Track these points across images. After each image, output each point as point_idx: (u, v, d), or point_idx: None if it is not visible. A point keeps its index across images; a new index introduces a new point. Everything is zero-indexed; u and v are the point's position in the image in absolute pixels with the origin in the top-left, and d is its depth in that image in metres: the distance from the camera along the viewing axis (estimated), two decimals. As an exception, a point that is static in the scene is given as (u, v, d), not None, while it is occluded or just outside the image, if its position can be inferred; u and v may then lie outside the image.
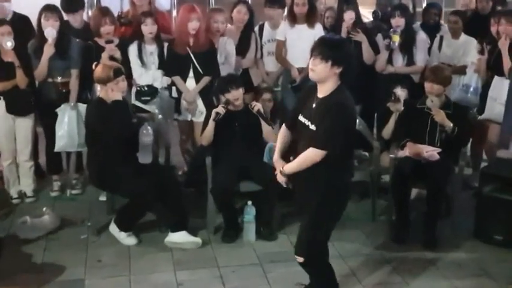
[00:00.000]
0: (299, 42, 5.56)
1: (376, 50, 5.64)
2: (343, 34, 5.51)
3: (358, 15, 5.70)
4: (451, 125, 4.67)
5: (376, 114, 5.81)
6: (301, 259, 3.48)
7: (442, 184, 4.68)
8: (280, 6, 5.84)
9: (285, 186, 3.56)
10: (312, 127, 3.30)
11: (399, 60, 5.67)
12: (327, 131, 3.26)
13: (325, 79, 3.24)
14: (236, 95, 4.78)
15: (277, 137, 3.67)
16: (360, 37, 5.57)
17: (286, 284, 4.06)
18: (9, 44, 4.98)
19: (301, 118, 3.40)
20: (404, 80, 5.45)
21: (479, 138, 5.51)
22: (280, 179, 3.53)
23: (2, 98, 5.18)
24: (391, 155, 4.96)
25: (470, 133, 5.10)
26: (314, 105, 3.34)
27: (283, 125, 3.66)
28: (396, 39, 5.50)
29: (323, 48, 3.22)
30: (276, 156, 3.61)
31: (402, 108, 4.96)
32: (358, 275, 4.27)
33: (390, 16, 5.67)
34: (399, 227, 4.75)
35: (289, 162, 3.50)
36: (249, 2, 6.33)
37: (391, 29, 5.55)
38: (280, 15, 5.84)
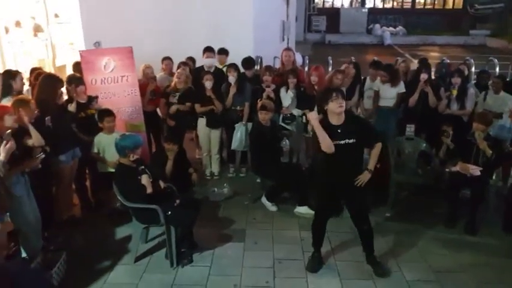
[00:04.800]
0: (386, 94, 5.54)
1: (437, 98, 5.46)
2: (419, 87, 5.40)
3: (430, 75, 5.58)
4: (490, 152, 4.48)
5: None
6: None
7: (481, 191, 4.53)
8: (380, 69, 5.72)
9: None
10: (351, 141, 3.44)
11: (454, 106, 5.48)
12: (372, 130, 3.67)
13: None
14: None
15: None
16: (428, 89, 5.43)
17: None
18: (209, 84, 5.33)
19: (336, 142, 3.44)
20: (457, 119, 5.24)
21: (509, 162, 5.17)
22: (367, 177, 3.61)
23: (204, 117, 5.55)
24: (447, 169, 4.79)
25: (502, 158, 4.82)
26: (339, 130, 3.45)
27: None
28: (454, 92, 5.40)
29: (341, 92, 3.49)
30: None
31: (450, 142, 4.72)
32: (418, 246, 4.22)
33: (451, 76, 5.54)
34: (450, 217, 4.63)
35: (371, 163, 3.62)
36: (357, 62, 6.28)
37: (452, 85, 5.44)
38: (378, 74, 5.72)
